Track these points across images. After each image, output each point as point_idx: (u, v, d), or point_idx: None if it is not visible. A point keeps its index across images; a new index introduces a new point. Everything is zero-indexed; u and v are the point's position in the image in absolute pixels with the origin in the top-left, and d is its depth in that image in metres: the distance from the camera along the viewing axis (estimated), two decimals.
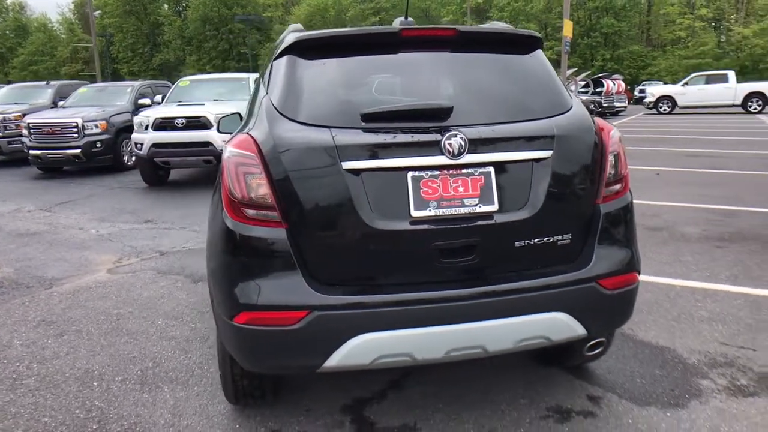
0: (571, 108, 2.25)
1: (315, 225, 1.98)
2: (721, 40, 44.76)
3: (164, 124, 8.48)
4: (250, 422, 2.49)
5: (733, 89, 23.06)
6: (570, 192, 2.15)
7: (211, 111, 8.44)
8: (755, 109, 22.46)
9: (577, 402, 2.57)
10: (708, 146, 12.10)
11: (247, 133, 2.13)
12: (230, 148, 2.10)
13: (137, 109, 10.65)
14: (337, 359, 1.96)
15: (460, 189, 2.02)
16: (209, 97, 9.47)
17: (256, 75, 11.10)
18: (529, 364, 2.90)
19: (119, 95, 11.68)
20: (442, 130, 2.01)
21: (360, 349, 1.95)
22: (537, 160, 2.10)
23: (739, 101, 22.87)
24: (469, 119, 2.07)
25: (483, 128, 2.06)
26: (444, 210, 2.01)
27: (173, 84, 11.30)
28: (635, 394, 2.62)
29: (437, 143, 2.00)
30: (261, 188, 1.99)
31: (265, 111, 2.16)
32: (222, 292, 2.08)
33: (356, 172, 1.97)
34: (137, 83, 12.49)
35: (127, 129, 10.13)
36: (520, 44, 2.35)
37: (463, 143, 1.99)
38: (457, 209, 2.02)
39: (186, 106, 8.91)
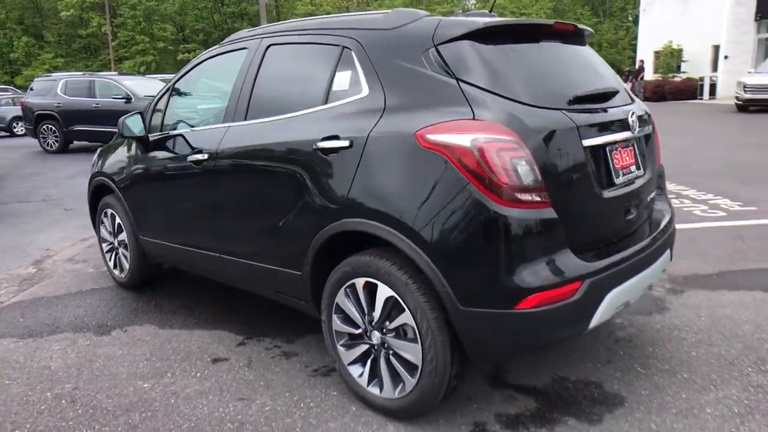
0: None
1: (570, 200, 2.12)
2: None
3: None
4: (448, 414, 2.37)
5: None
6: (655, 156, 2.80)
7: None
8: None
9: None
10: None
11: (473, 119, 2.05)
12: (477, 135, 2.00)
13: None
14: (597, 318, 2.16)
15: (627, 159, 2.44)
16: None
17: None
18: None
19: None
20: (625, 109, 2.40)
21: (609, 305, 2.19)
22: (648, 135, 2.68)
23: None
24: (620, 101, 2.49)
25: (631, 107, 2.52)
26: (627, 177, 2.41)
27: None
28: None
29: (626, 120, 2.38)
30: (530, 171, 2.00)
31: (475, 94, 2.11)
32: (498, 284, 1.99)
33: (587, 148, 2.19)
34: None
35: None
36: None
37: (638, 120, 2.42)
38: (630, 175, 2.44)
39: None
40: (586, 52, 2.68)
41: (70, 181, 9.08)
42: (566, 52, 2.54)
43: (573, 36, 2.63)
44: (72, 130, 12.25)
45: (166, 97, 3.55)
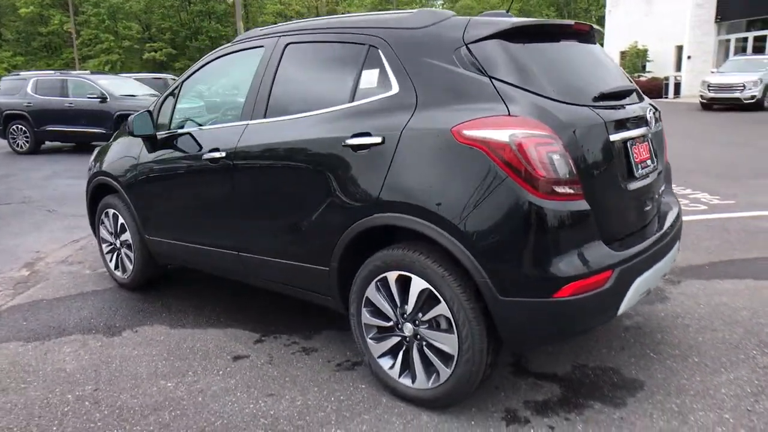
0: None
1: (600, 192, 2.21)
2: None
3: None
4: (478, 403, 2.44)
5: None
6: (663, 152, 2.92)
7: None
8: None
9: None
10: None
11: (509, 115, 2.12)
12: (515, 130, 2.06)
13: None
14: (624, 306, 2.26)
15: (644, 153, 2.55)
16: None
17: None
18: None
19: None
20: (642, 106, 2.51)
21: (635, 293, 2.29)
22: (658, 131, 2.80)
23: None
24: (635, 98, 2.60)
25: (646, 104, 2.63)
26: (645, 170, 2.52)
27: None
28: None
29: (644, 117, 2.49)
30: (565, 164, 2.08)
31: (508, 91, 2.18)
32: (536, 273, 2.06)
33: (613, 142, 2.29)
34: None
35: None
36: None
37: (653, 116, 2.53)
38: (647, 169, 2.55)
39: None
40: (599, 50, 2.79)
41: (47, 181, 8.85)
42: (583, 51, 2.63)
43: (587, 35, 2.73)
44: (44, 130, 11.90)
45: (174, 95, 3.52)
